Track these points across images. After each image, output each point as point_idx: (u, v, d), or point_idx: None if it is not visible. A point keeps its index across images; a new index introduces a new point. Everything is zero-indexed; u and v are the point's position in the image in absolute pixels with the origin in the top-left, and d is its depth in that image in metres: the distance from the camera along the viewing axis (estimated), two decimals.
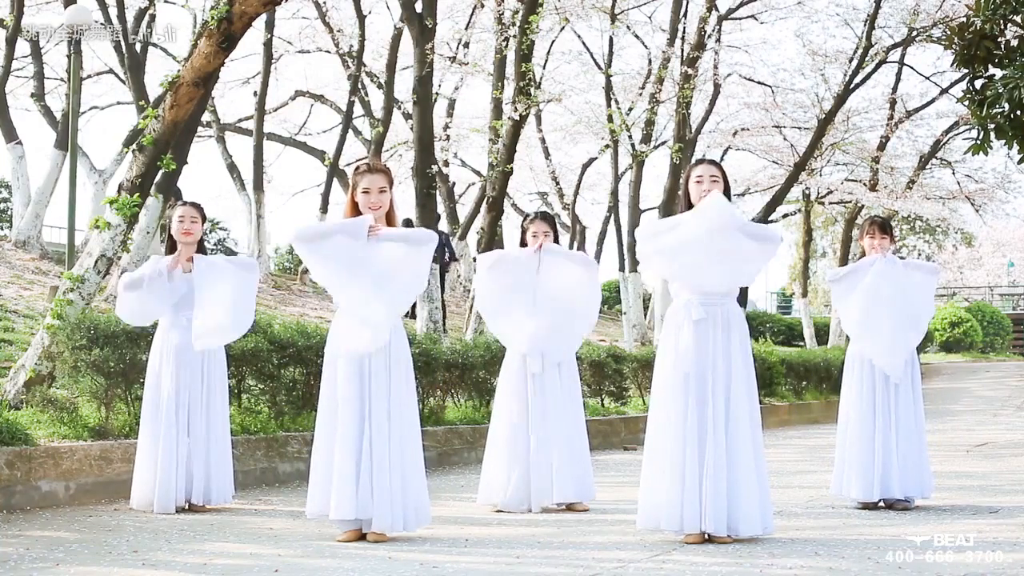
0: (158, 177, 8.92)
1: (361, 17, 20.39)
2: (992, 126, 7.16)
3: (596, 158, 25.52)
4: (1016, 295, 43.32)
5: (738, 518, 5.23)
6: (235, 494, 6.95)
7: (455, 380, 10.20)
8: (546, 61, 22.82)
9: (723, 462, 5.23)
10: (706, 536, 5.27)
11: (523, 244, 6.98)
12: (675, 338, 5.42)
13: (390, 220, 5.62)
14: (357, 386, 5.39)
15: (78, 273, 7.91)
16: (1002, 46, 7.14)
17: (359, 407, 5.37)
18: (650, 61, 21.34)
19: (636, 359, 13.13)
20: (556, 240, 6.99)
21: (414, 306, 16.23)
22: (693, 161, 5.76)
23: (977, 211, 26.42)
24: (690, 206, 5.54)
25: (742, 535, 5.27)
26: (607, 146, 21.67)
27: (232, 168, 21.76)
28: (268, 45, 20.94)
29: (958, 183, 26.06)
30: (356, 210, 5.54)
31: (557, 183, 26.91)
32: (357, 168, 5.66)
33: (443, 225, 20.48)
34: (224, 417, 6.85)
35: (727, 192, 5.56)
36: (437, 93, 21.31)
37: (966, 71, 7.32)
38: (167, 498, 6.49)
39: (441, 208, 20.48)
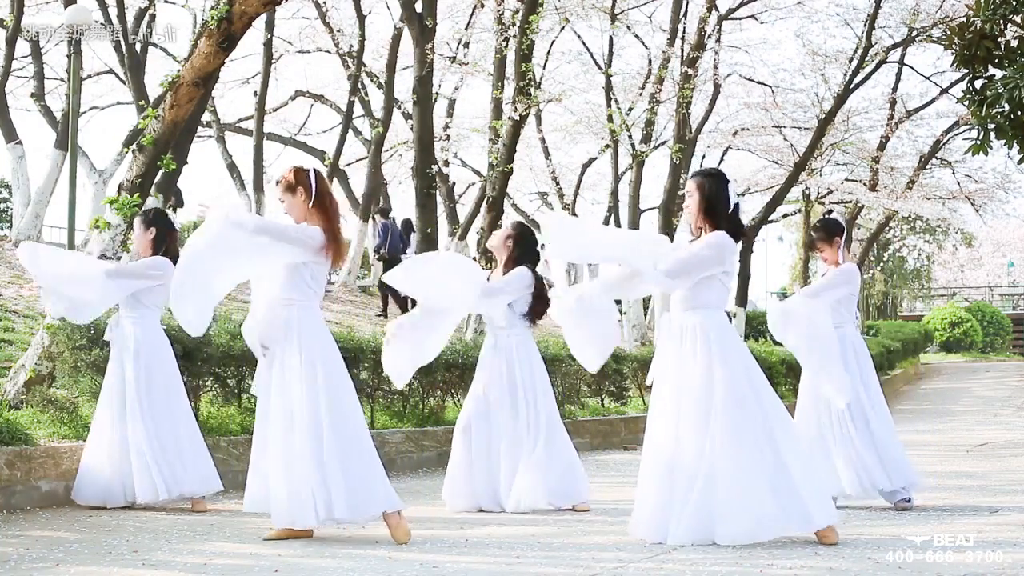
0: (158, 177, 8.91)
1: (361, 17, 20.39)
2: (992, 126, 7.15)
3: (596, 158, 25.51)
4: (1016, 295, 43.35)
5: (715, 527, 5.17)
6: (224, 490, 6.92)
7: (455, 380, 10.19)
8: (546, 61, 22.80)
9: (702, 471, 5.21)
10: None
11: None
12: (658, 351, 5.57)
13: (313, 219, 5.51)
14: (266, 380, 5.50)
15: None
16: (1002, 46, 7.14)
17: (263, 402, 5.50)
18: (650, 61, 21.34)
19: (636, 359, 13.13)
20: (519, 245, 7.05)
21: (415, 304, 16.20)
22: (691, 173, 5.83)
23: (977, 211, 26.42)
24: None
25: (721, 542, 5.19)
26: (607, 146, 21.67)
27: (232, 168, 21.76)
28: (268, 45, 20.93)
29: (958, 183, 26.06)
30: None
31: (557, 183, 26.88)
32: None
33: (442, 225, 20.43)
34: (179, 407, 6.83)
35: (709, 200, 5.47)
36: (437, 93, 21.30)
37: (966, 71, 7.32)
38: (115, 492, 6.57)
39: (441, 208, 20.47)
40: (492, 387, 6.90)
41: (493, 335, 7.02)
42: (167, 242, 6.90)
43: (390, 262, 16.98)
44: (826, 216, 7.40)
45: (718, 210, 5.48)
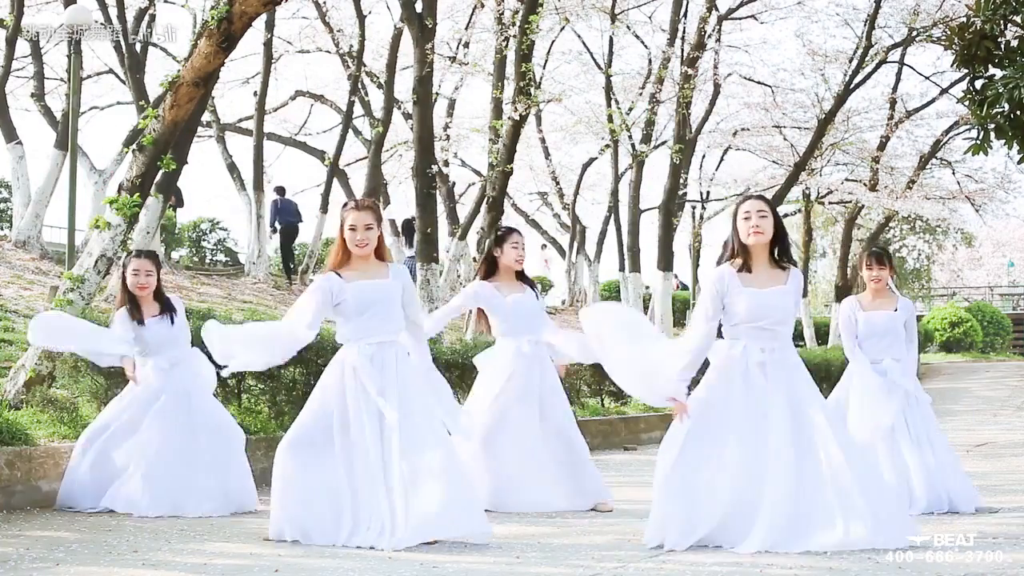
0: (158, 177, 8.92)
1: (361, 17, 20.37)
2: (992, 126, 7.16)
3: (596, 158, 25.52)
4: (1016, 295, 43.28)
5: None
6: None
7: (455, 380, 10.18)
8: (546, 61, 22.80)
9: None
10: None
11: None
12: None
13: (380, 255, 5.58)
14: None
15: (78, 273, 7.92)
16: (1002, 46, 7.14)
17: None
18: (650, 61, 21.34)
19: None
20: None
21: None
22: (741, 197, 5.54)
23: (977, 211, 26.39)
24: (741, 244, 5.33)
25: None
26: (607, 146, 21.69)
27: (232, 168, 21.74)
28: (268, 45, 20.92)
29: (958, 183, 26.03)
30: (346, 246, 5.53)
31: (557, 183, 26.91)
32: (345, 204, 5.62)
33: (442, 225, 20.40)
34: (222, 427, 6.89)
35: (779, 227, 5.36)
36: (437, 93, 21.28)
37: (966, 71, 7.32)
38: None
39: (441, 208, 20.48)
40: (509, 392, 6.89)
41: (514, 341, 6.98)
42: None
43: (285, 231, 21.61)
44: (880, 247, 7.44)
45: (787, 244, 5.44)
